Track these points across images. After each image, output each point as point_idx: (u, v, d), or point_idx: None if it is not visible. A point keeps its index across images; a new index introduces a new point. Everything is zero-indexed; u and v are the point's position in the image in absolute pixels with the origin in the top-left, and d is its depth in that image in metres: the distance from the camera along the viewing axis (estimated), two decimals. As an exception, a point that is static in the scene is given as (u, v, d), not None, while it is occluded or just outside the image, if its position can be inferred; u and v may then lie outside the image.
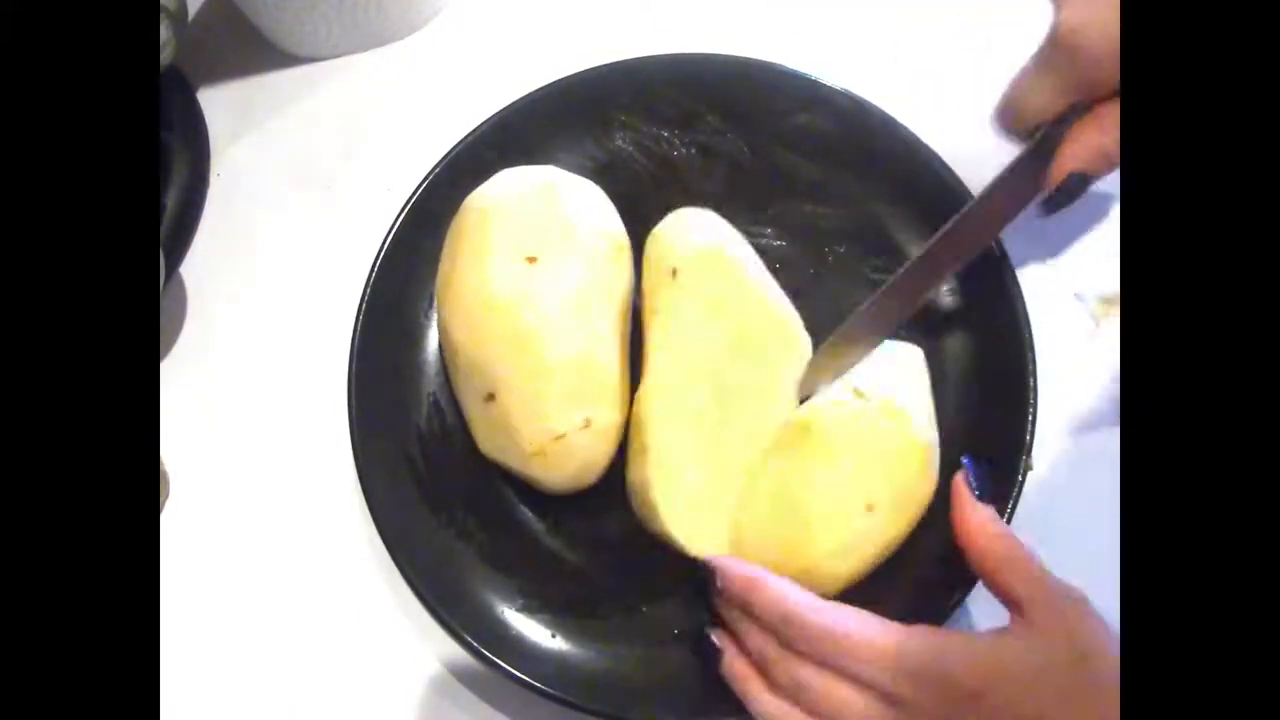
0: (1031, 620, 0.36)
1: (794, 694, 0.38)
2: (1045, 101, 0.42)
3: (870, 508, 0.42)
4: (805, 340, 0.47)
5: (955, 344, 0.48)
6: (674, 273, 0.45)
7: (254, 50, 0.62)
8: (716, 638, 0.41)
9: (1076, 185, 0.43)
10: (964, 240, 0.46)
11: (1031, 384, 0.45)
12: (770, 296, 0.47)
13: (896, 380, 0.45)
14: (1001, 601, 0.38)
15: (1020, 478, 0.44)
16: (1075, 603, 0.36)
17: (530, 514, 0.47)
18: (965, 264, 0.47)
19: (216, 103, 0.61)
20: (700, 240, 0.46)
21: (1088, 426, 0.48)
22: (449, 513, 0.47)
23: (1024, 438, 0.45)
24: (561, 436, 0.43)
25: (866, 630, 0.37)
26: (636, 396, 0.46)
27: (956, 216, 0.46)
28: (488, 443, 0.46)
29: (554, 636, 0.44)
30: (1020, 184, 0.45)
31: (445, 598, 0.44)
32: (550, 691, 0.42)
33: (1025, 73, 0.43)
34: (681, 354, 0.45)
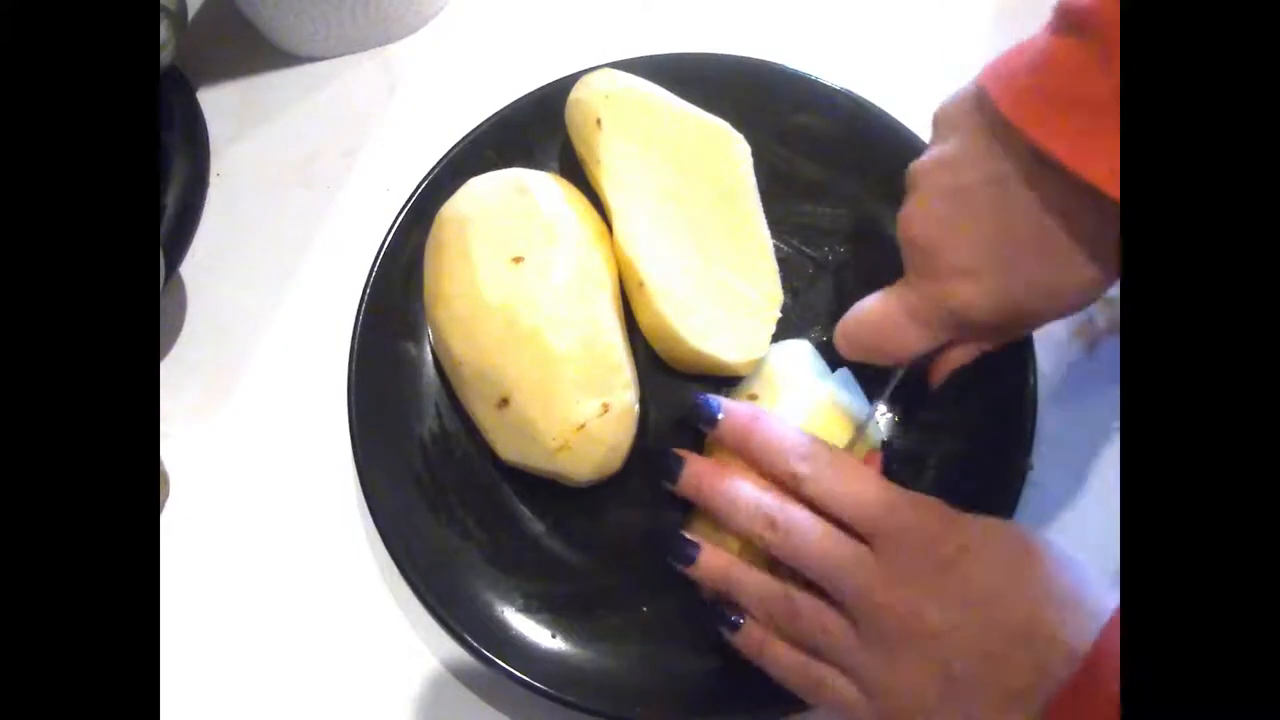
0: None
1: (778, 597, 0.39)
2: (915, 348, 0.40)
3: None
4: (735, 134, 0.49)
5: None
6: (599, 122, 0.48)
7: (254, 50, 0.62)
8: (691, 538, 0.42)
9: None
10: None
11: (1031, 384, 0.45)
12: (689, 109, 0.49)
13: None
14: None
15: (1020, 478, 0.44)
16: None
17: (530, 514, 0.47)
18: None
19: (216, 103, 0.61)
20: (611, 86, 0.49)
21: (1088, 426, 0.48)
22: (449, 513, 0.47)
23: (1024, 438, 0.45)
24: (582, 427, 0.43)
25: (857, 467, 0.40)
26: (614, 244, 0.48)
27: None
28: (507, 448, 0.45)
29: (554, 636, 0.44)
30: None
31: (445, 598, 0.44)
32: (550, 691, 0.42)
33: (886, 315, 0.40)
34: (636, 188, 0.48)
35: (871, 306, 0.41)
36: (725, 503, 0.40)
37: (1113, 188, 0.30)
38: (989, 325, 0.38)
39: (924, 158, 0.38)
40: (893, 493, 0.38)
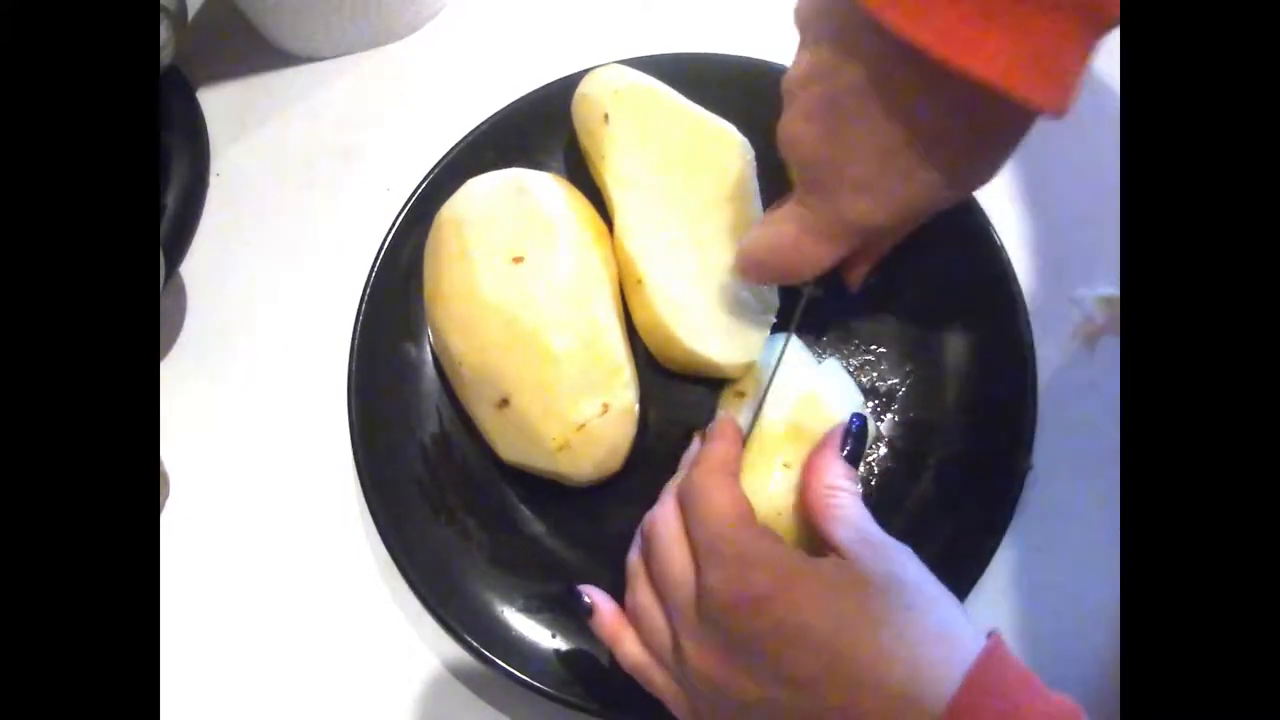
0: (849, 557, 0.36)
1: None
2: (819, 266, 0.39)
3: (787, 465, 0.43)
4: (741, 138, 0.49)
5: (955, 344, 0.48)
6: (605, 118, 0.48)
7: (254, 50, 0.62)
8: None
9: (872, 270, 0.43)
10: None
11: (1031, 384, 0.45)
12: (696, 110, 0.49)
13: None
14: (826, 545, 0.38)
15: (1020, 478, 0.44)
16: (898, 550, 0.36)
17: (530, 514, 0.47)
18: None
19: (216, 103, 0.61)
20: (619, 82, 0.49)
21: (1088, 426, 0.48)
22: (449, 513, 0.47)
23: (1024, 438, 0.45)
24: (583, 426, 0.43)
25: (727, 494, 0.37)
26: (615, 239, 0.48)
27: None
28: (509, 449, 0.45)
29: (554, 636, 0.44)
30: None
31: (445, 598, 0.44)
32: (550, 691, 0.42)
33: (787, 237, 0.39)
34: (639, 185, 0.48)
35: (771, 231, 0.39)
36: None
37: (1007, 81, 0.29)
38: (891, 228, 0.37)
39: (794, 69, 0.36)
40: (742, 532, 0.35)
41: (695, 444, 0.43)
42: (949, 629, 0.33)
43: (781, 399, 0.44)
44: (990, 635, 0.33)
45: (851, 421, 0.42)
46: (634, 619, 0.38)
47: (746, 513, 0.37)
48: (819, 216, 0.37)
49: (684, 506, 0.38)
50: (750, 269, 0.41)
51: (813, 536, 0.39)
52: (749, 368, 0.46)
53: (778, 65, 0.53)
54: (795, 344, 0.47)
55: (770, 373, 0.45)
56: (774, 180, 0.50)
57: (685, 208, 0.48)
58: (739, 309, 0.47)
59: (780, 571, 0.34)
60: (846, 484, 0.40)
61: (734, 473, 0.39)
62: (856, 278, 0.43)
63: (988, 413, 0.46)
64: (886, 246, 0.41)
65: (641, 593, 0.38)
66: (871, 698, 0.32)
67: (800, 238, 0.38)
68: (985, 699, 0.30)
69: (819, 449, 0.41)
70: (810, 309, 0.44)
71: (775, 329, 0.47)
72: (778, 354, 0.45)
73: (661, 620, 0.37)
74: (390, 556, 0.45)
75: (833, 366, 0.47)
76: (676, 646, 0.36)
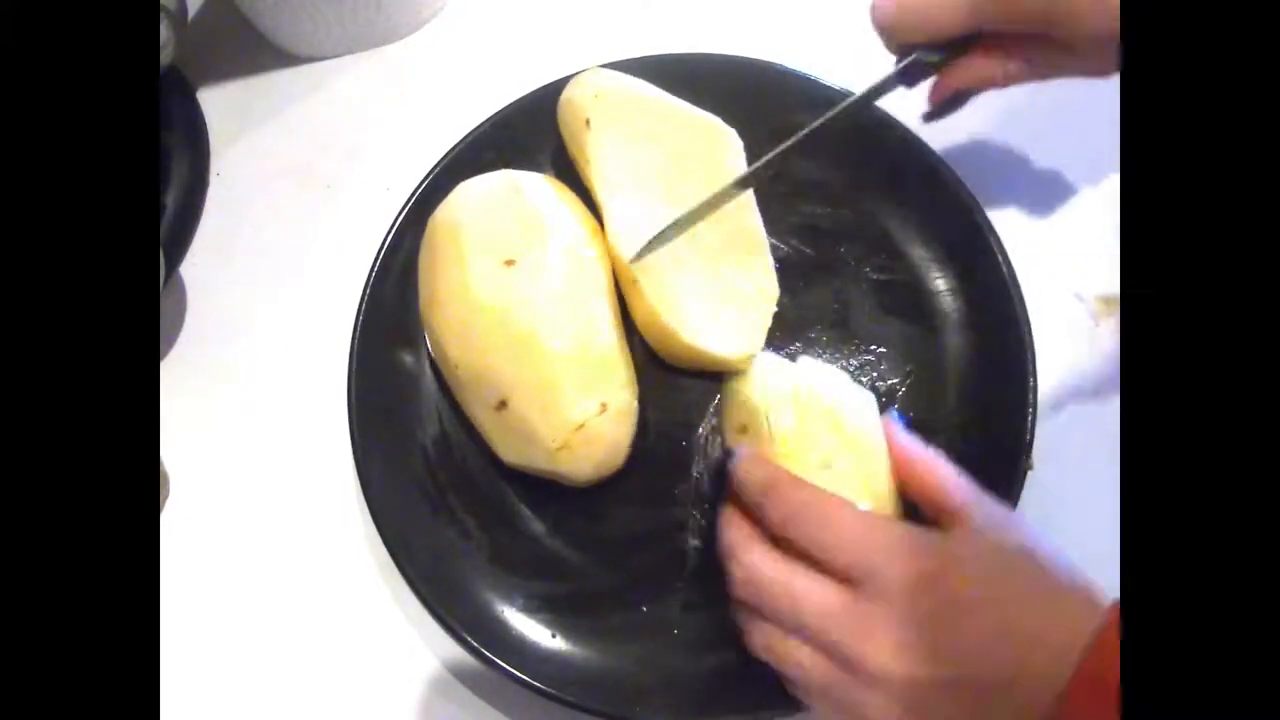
0: (979, 523, 0.37)
1: (758, 585, 0.38)
2: (951, 21, 0.39)
3: (826, 465, 0.42)
4: (727, 128, 0.49)
5: (955, 343, 0.48)
6: (588, 122, 0.48)
7: (254, 50, 0.62)
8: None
9: (959, 101, 0.43)
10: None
11: (1031, 384, 0.45)
12: (679, 105, 0.49)
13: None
14: (934, 515, 0.39)
15: (1020, 478, 0.44)
16: (1008, 511, 0.38)
17: (530, 514, 0.47)
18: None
19: (216, 103, 0.61)
20: (600, 85, 0.49)
21: (1088, 426, 0.48)
22: (449, 513, 0.47)
23: (1024, 438, 0.45)
24: (582, 426, 0.43)
25: (843, 510, 0.38)
26: (607, 243, 0.48)
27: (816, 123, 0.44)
28: (508, 450, 0.45)
29: (554, 636, 0.44)
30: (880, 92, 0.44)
31: (445, 598, 0.44)
32: (550, 691, 0.42)
33: None
34: (628, 186, 0.48)
35: None
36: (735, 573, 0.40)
37: None
38: (1035, 11, 0.37)
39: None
40: (877, 534, 0.37)
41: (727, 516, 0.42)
42: (1076, 578, 0.35)
43: (781, 409, 0.44)
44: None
45: (894, 416, 0.43)
46: (788, 667, 0.38)
47: (858, 510, 0.38)
48: None
49: (793, 541, 0.37)
50: (886, 6, 0.41)
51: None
52: (749, 359, 0.46)
53: (777, 65, 0.53)
54: (767, 358, 0.47)
55: (756, 393, 0.45)
56: (770, 178, 0.50)
57: (675, 202, 0.48)
58: (738, 300, 0.47)
59: (933, 548, 0.36)
60: (936, 455, 0.41)
61: (804, 483, 0.39)
62: (949, 87, 0.42)
63: (988, 413, 0.46)
64: (995, 70, 0.41)
65: (785, 646, 0.37)
66: (1041, 654, 0.33)
67: None
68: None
69: (892, 440, 0.42)
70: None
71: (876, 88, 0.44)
72: (754, 376, 0.46)
73: (817, 656, 0.36)
74: (390, 556, 0.45)
75: (807, 362, 0.47)
76: (845, 663, 0.35)
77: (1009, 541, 0.37)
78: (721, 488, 0.42)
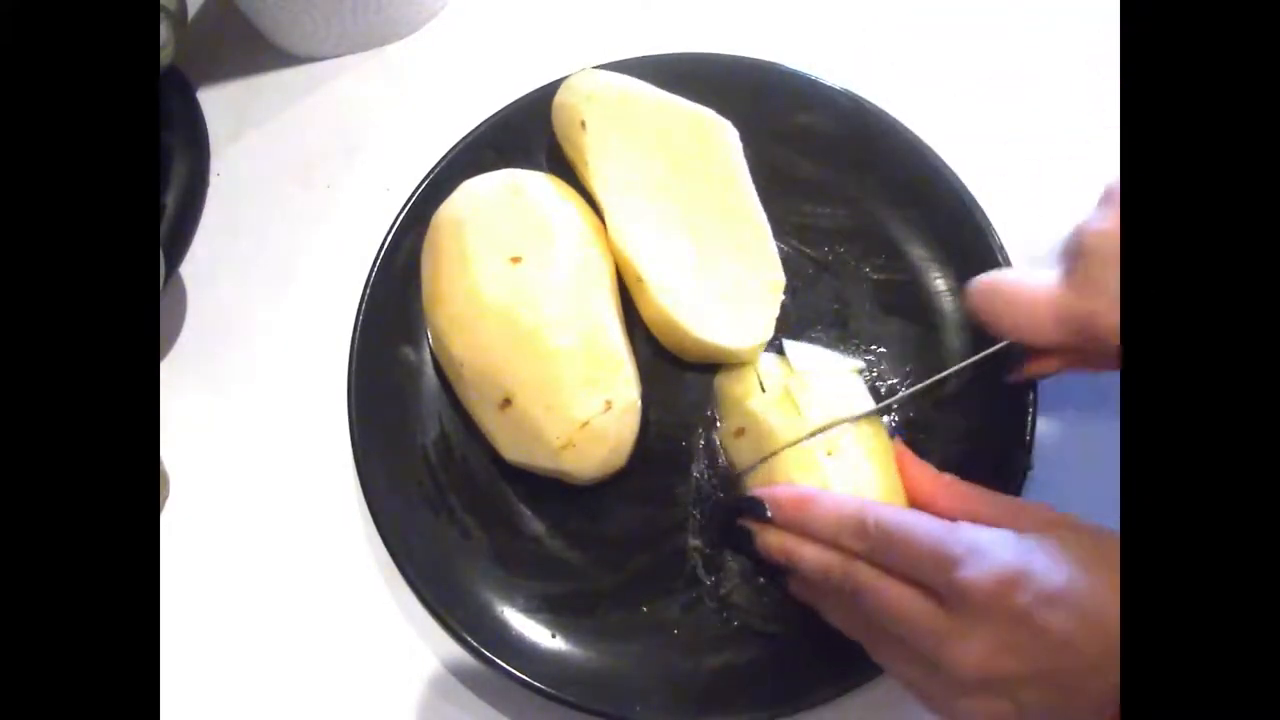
0: (1065, 540, 0.36)
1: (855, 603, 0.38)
2: (1036, 336, 0.41)
3: (830, 453, 0.42)
4: (722, 120, 0.49)
5: (955, 344, 0.48)
6: (583, 124, 0.48)
7: (254, 50, 0.62)
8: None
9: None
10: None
11: (1031, 384, 0.45)
12: (673, 100, 0.49)
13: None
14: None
15: (1020, 478, 0.44)
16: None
17: (531, 514, 0.47)
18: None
19: (216, 103, 0.61)
20: (593, 86, 0.49)
21: (1088, 426, 0.48)
22: (449, 513, 0.47)
23: (1024, 438, 0.45)
24: (586, 423, 0.43)
25: (929, 526, 0.37)
26: (610, 242, 0.48)
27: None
28: (512, 449, 0.45)
29: (554, 636, 0.44)
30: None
31: (445, 598, 0.44)
32: (550, 691, 0.42)
33: (1035, 291, 0.40)
34: (627, 185, 0.48)
35: (1028, 284, 0.41)
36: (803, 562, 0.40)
37: None
38: (1111, 336, 0.38)
39: (1100, 223, 0.38)
40: (956, 544, 0.36)
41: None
42: None
43: (779, 404, 0.44)
44: None
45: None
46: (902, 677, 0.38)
47: (930, 519, 0.37)
48: (1074, 305, 0.39)
49: (878, 563, 0.37)
50: (983, 294, 0.42)
51: None
52: (759, 350, 0.46)
53: (777, 65, 0.53)
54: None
55: (752, 396, 0.45)
56: (770, 178, 0.50)
57: (675, 198, 0.48)
58: (745, 291, 0.47)
59: (1014, 548, 0.35)
60: (952, 478, 0.42)
61: (865, 501, 0.39)
62: (1029, 374, 0.44)
63: (988, 413, 0.46)
64: (1069, 366, 0.42)
65: (893, 658, 0.38)
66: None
67: (1045, 307, 0.40)
68: None
69: (905, 468, 0.42)
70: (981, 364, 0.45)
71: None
72: (747, 378, 0.46)
73: (916, 666, 0.37)
74: (390, 556, 0.45)
75: (788, 345, 0.47)
76: (941, 664, 0.35)
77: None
78: (735, 535, 0.42)
